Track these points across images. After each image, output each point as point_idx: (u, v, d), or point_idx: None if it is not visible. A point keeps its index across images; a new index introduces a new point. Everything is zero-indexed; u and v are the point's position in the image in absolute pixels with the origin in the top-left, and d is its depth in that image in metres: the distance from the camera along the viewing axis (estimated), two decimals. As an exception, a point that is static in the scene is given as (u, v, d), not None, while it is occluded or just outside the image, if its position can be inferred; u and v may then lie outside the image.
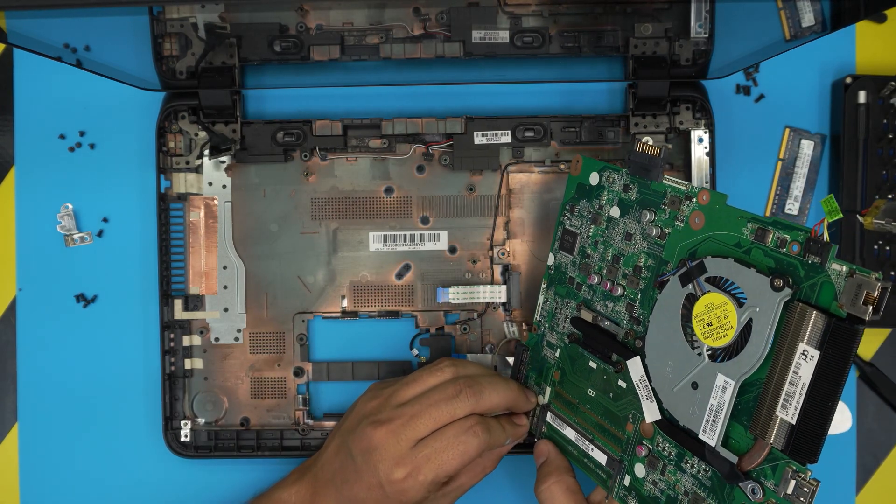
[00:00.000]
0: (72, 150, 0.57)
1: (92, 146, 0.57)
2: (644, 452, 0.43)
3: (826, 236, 0.36)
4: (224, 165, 0.55)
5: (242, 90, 0.55)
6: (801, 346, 0.35)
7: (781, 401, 0.36)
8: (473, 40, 0.54)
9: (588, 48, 0.54)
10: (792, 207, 0.56)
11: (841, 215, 0.36)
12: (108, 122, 0.57)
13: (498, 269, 0.55)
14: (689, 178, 0.54)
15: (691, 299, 0.40)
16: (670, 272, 0.42)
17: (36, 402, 0.57)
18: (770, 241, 0.37)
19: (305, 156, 0.55)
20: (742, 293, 0.38)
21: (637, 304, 0.44)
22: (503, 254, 0.55)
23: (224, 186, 0.55)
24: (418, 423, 0.46)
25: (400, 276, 0.56)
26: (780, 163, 0.57)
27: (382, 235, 0.56)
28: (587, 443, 0.47)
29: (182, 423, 0.55)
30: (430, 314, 0.56)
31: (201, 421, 0.55)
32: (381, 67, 0.55)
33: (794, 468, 0.36)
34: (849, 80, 0.54)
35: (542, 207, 0.55)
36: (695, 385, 0.39)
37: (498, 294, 0.55)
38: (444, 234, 0.56)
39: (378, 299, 0.56)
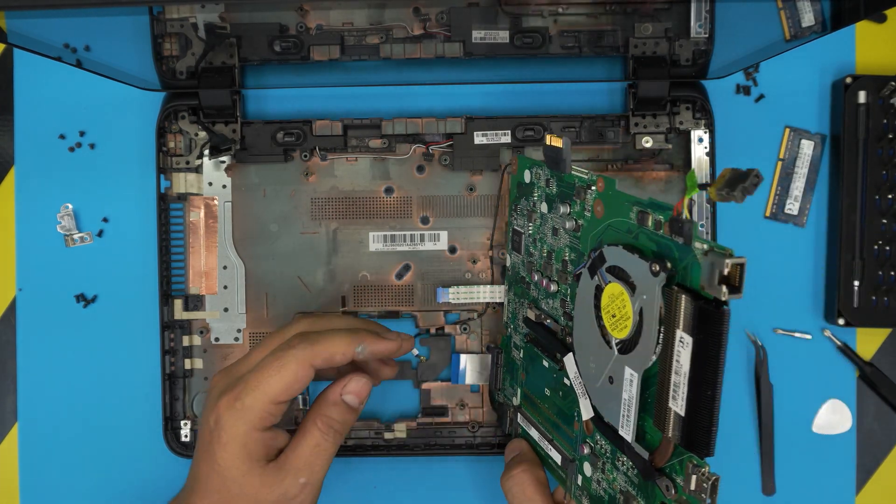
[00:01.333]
0: (72, 150, 0.57)
1: (92, 146, 0.57)
2: (587, 451, 0.43)
3: (686, 213, 0.34)
4: (224, 165, 0.55)
5: (242, 90, 0.55)
6: (679, 333, 0.34)
7: (671, 392, 0.34)
8: (473, 40, 0.54)
9: (588, 48, 0.54)
10: (792, 207, 0.56)
11: (697, 190, 0.34)
12: (108, 122, 0.57)
13: (498, 269, 0.55)
14: (689, 178, 0.54)
15: (599, 291, 0.39)
16: (581, 265, 0.41)
17: (36, 402, 0.57)
18: (650, 223, 0.36)
19: (305, 156, 0.55)
20: (634, 281, 0.37)
21: (568, 299, 0.44)
22: (503, 254, 0.55)
23: (224, 186, 0.55)
24: (248, 378, 0.43)
25: (400, 276, 0.56)
26: (780, 163, 0.57)
27: (382, 235, 0.56)
28: (546, 443, 0.47)
29: (182, 423, 0.55)
30: (430, 314, 0.56)
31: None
32: (381, 67, 0.55)
33: (695, 462, 0.34)
34: (849, 80, 0.54)
35: (542, 207, 0.55)
36: (611, 379, 0.38)
37: (498, 294, 0.55)
38: (444, 234, 0.56)
39: (378, 299, 0.56)
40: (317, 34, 0.54)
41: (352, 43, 0.54)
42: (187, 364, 0.55)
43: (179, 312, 0.55)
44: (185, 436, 0.55)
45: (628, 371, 0.37)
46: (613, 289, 0.38)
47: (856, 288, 0.54)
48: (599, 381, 0.40)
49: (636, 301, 0.36)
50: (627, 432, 0.38)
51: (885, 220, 0.54)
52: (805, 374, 0.56)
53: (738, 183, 0.32)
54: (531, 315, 0.48)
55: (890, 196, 0.54)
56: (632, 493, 0.39)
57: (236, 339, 0.55)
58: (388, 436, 0.55)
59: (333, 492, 0.57)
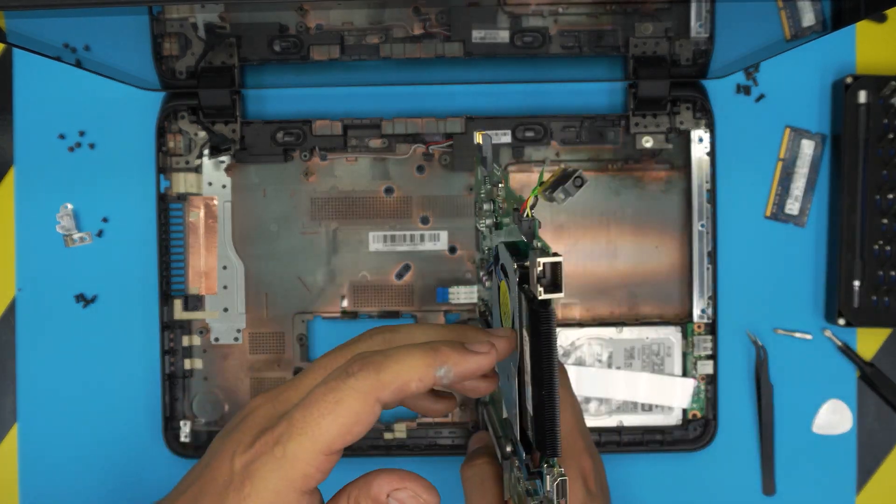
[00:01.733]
0: (71, 149, 0.57)
1: (92, 146, 0.57)
2: (509, 448, 0.42)
3: (529, 213, 0.33)
4: (224, 165, 0.55)
5: (242, 90, 0.55)
6: (523, 332, 0.33)
7: (526, 391, 0.34)
8: (473, 40, 0.54)
9: (588, 48, 0.54)
10: (792, 207, 0.56)
11: (539, 188, 0.33)
12: (108, 122, 0.57)
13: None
14: (689, 177, 0.54)
15: (499, 289, 0.39)
16: (489, 264, 0.41)
17: (36, 402, 0.57)
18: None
19: (305, 156, 0.55)
20: (509, 279, 0.36)
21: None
22: (503, 254, 0.55)
23: (224, 186, 0.55)
24: (293, 416, 0.32)
25: (400, 276, 0.56)
26: (780, 163, 0.57)
27: (382, 235, 0.56)
28: (495, 440, 0.47)
29: (182, 423, 0.55)
30: (430, 314, 0.55)
31: (202, 421, 0.55)
32: (381, 67, 0.55)
33: (549, 463, 0.34)
34: (849, 80, 0.54)
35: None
36: (508, 377, 0.38)
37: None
38: (444, 234, 0.56)
39: (378, 299, 0.56)
40: (317, 34, 0.54)
41: (352, 43, 0.54)
42: (187, 364, 0.55)
43: (179, 312, 0.55)
44: (185, 436, 0.55)
45: (511, 368, 0.37)
46: (503, 286, 0.37)
47: (856, 288, 0.54)
48: (503, 379, 0.39)
49: (511, 298, 0.36)
50: (516, 430, 0.37)
51: (885, 220, 0.54)
52: (805, 374, 0.56)
53: (560, 184, 0.31)
54: (477, 312, 0.48)
55: (890, 196, 0.54)
56: (530, 490, 0.38)
57: (236, 339, 0.55)
58: (387, 436, 0.55)
59: (333, 492, 0.57)
